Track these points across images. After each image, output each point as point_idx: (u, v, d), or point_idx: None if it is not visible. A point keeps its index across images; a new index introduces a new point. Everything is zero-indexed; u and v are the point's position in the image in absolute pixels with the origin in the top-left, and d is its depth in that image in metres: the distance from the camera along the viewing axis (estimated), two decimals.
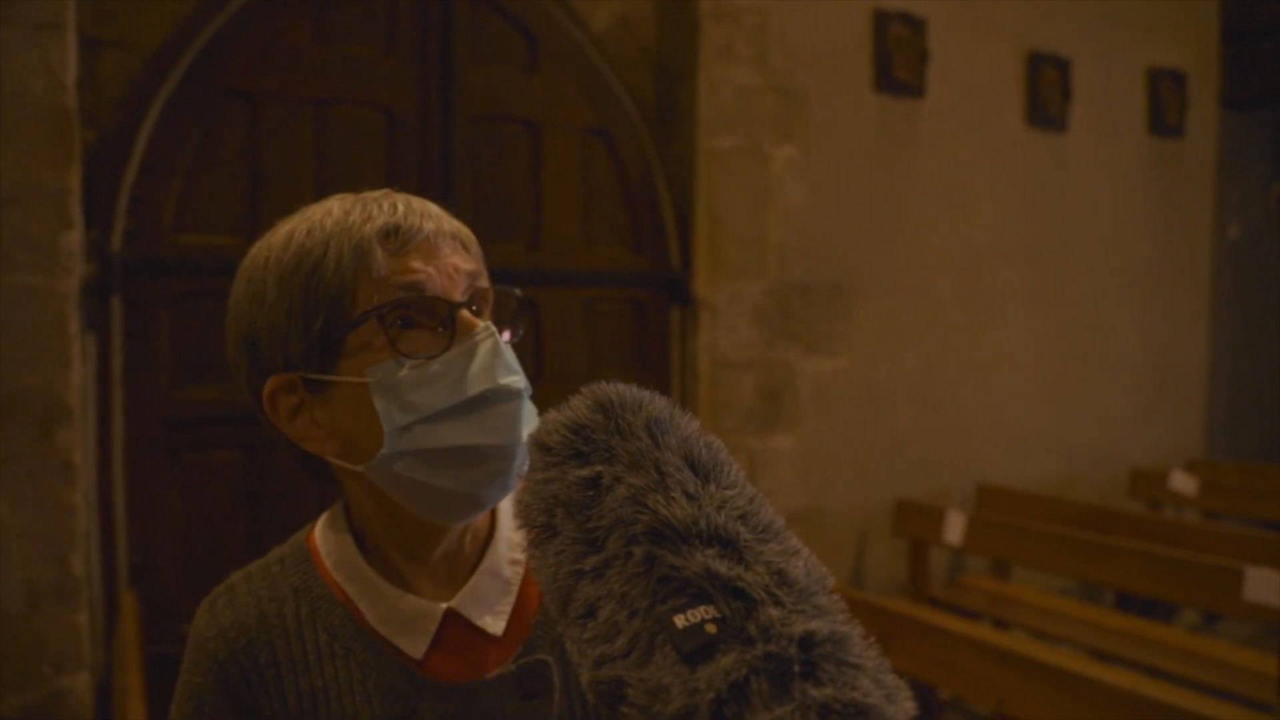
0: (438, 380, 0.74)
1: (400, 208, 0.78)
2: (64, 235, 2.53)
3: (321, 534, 0.86)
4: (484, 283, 0.80)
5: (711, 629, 0.45)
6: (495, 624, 0.81)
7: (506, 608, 0.82)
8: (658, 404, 0.55)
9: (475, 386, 0.74)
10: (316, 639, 0.80)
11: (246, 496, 2.89)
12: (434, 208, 0.80)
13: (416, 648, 0.79)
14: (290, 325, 0.75)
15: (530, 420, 0.76)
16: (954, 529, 3.63)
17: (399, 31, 3.08)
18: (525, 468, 0.74)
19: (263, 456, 2.90)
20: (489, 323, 0.76)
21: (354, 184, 2.95)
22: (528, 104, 3.29)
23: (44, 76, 2.50)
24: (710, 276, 3.54)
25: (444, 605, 0.81)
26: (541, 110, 3.31)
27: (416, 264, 0.75)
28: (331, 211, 0.78)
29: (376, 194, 0.79)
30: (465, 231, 0.81)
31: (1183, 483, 4.43)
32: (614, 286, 3.45)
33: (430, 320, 0.76)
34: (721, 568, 0.47)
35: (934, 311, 4.14)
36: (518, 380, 0.75)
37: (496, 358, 0.75)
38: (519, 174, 3.28)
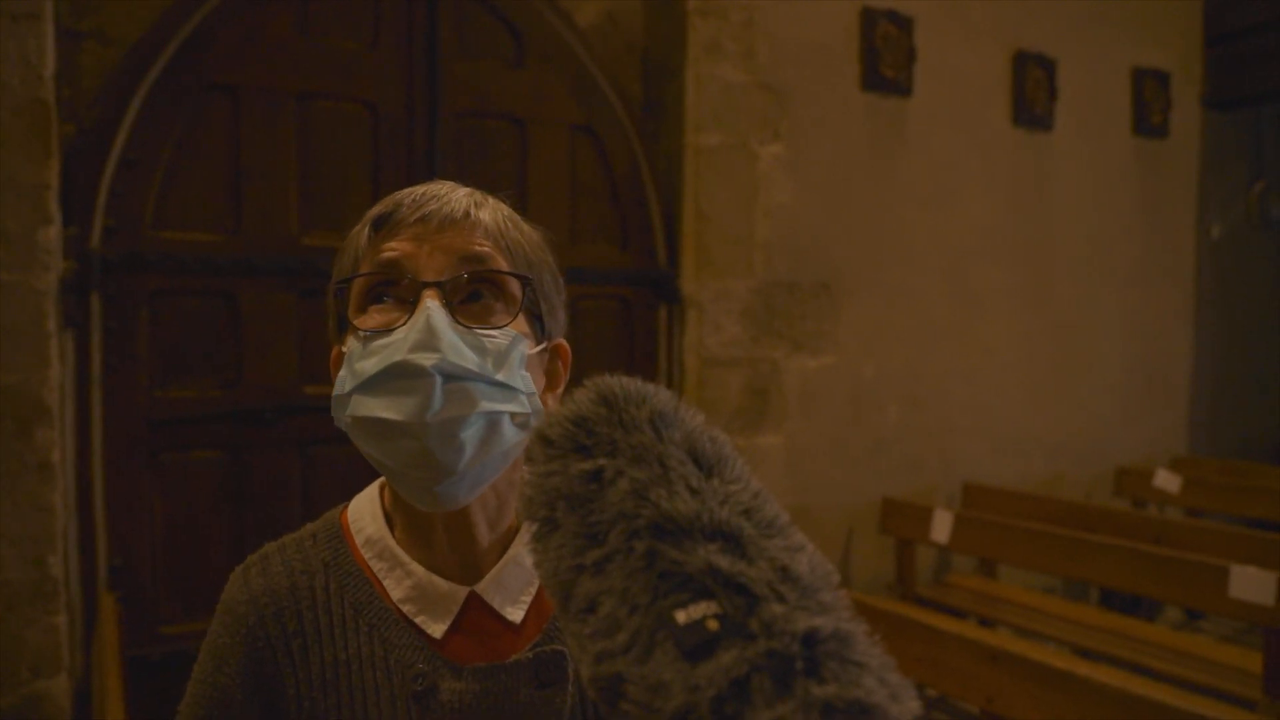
0: (376, 352, 0.77)
1: (416, 194, 0.81)
2: (42, 231, 2.50)
3: (354, 511, 0.89)
4: (490, 267, 0.80)
5: (713, 625, 0.43)
6: (515, 612, 0.84)
7: (528, 598, 0.84)
8: (662, 397, 0.54)
9: (388, 360, 0.75)
10: (343, 612, 0.83)
11: (228, 497, 2.85)
12: (462, 195, 0.82)
13: (437, 628, 0.82)
14: (329, 301, 0.85)
15: (461, 403, 0.76)
16: (941, 527, 3.63)
17: (383, 25, 3.05)
18: (465, 456, 0.76)
19: (244, 456, 2.87)
20: (432, 301, 0.77)
21: (338, 180, 2.92)
22: (513, 100, 3.27)
23: (21, 69, 2.46)
24: (697, 274, 3.53)
25: (467, 589, 0.83)
26: (527, 106, 3.29)
27: (393, 244, 0.79)
28: None
29: (427, 184, 0.84)
30: (492, 220, 0.82)
31: (1167, 481, 4.46)
32: (600, 284, 3.43)
33: (402, 297, 0.79)
34: (724, 563, 0.46)
35: (920, 310, 4.15)
36: (429, 358, 0.74)
37: (422, 334, 0.75)
38: (504, 170, 3.25)
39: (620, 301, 3.50)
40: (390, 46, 3.06)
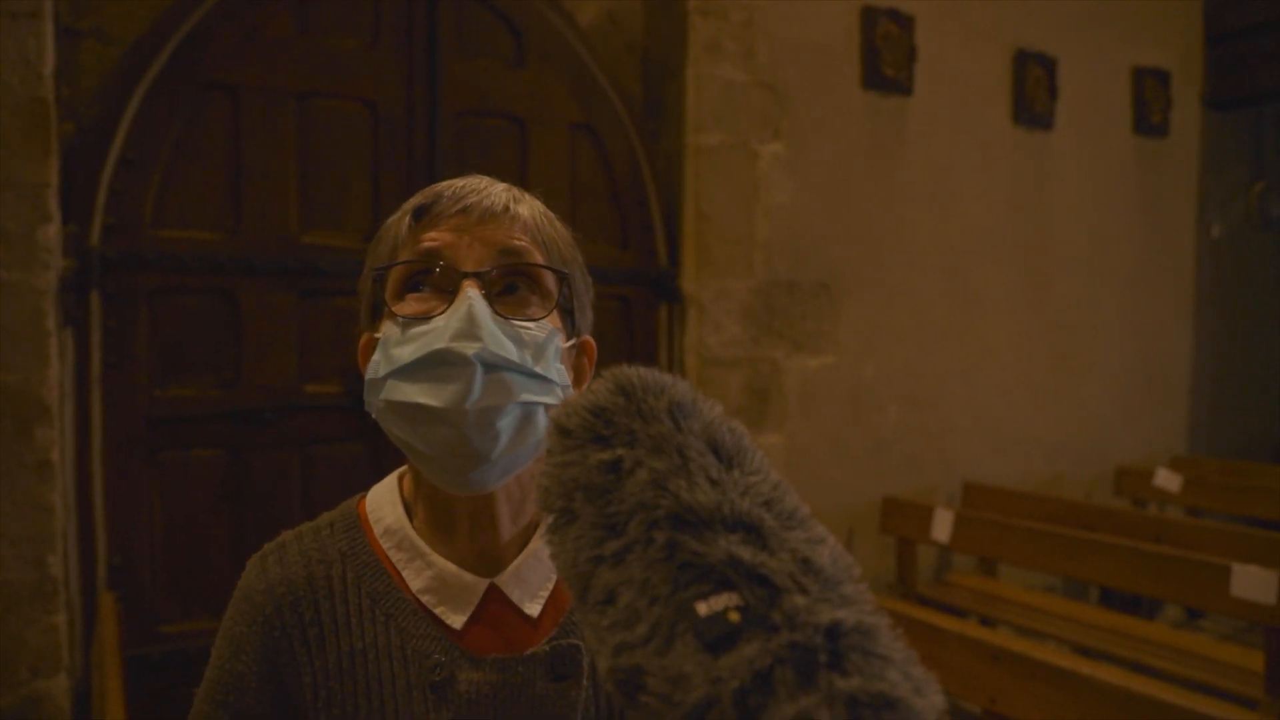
0: (415, 339, 0.78)
1: (456, 186, 0.82)
2: (41, 229, 2.49)
3: (373, 501, 0.89)
4: (529, 260, 0.82)
5: (735, 617, 0.43)
6: (533, 606, 0.84)
7: (545, 593, 0.85)
8: (681, 388, 0.53)
9: (429, 347, 0.77)
10: (360, 602, 0.83)
11: (228, 496, 2.84)
12: (500, 189, 0.83)
13: (456, 619, 0.82)
14: (363, 288, 0.87)
15: (499, 393, 0.77)
16: (942, 527, 3.63)
17: (383, 24, 3.04)
18: (499, 444, 0.78)
19: (244, 456, 2.86)
20: (473, 291, 0.78)
21: (337, 179, 2.92)
22: (514, 99, 3.26)
23: (20, 67, 2.45)
24: (697, 274, 3.53)
25: (487, 581, 0.84)
26: (527, 106, 3.28)
27: (434, 233, 0.80)
28: None
29: (466, 178, 0.85)
30: (530, 216, 0.84)
31: (1167, 480, 4.45)
32: (601, 284, 3.39)
33: (440, 285, 0.81)
34: (745, 554, 0.45)
35: (920, 309, 4.14)
36: (471, 346, 0.76)
37: (464, 323, 0.76)
38: (505, 170, 3.20)
39: (620, 301, 3.49)
40: (390, 45, 3.05)
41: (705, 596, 0.44)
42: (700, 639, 0.43)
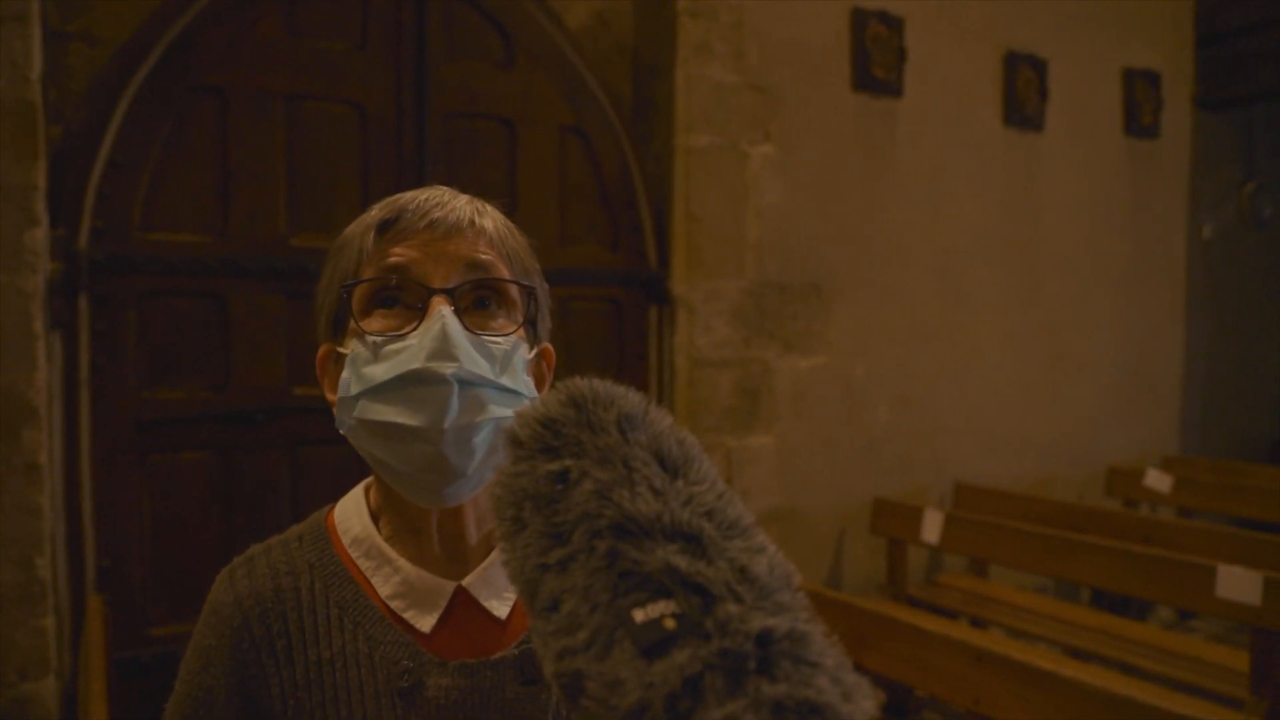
0: (388, 358, 0.78)
1: (419, 199, 0.82)
2: (29, 232, 2.49)
3: (341, 513, 0.90)
4: (496, 275, 0.83)
5: (670, 624, 0.44)
6: (501, 608, 0.85)
7: (512, 595, 0.85)
8: (630, 400, 0.55)
9: (404, 367, 0.77)
10: (328, 612, 0.83)
11: (217, 498, 2.85)
12: (464, 202, 0.84)
13: (425, 622, 0.83)
14: (324, 300, 0.86)
15: (474, 410, 0.78)
16: (932, 528, 3.64)
17: (372, 26, 3.05)
18: (475, 460, 0.79)
19: (233, 458, 2.86)
20: (445, 309, 0.78)
21: (326, 181, 2.91)
22: (503, 101, 3.27)
23: (8, 70, 2.46)
24: (688, 275, 3.54)
25: (455, 583, 0.84)
26: (517, 107, 3.29)
27: (400, 249, 0.80)
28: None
29: (426, 189, 0.85)
30: (494, 229, 0.85)
31: (1157, 480, 4.47)
32: (591, 285, 3.43)
33: (409, 302, 0.81)
34: (682, 563, 0.46)
35: (911, 310, 4.15)
36: (448, 366, 0.76)
37: (439, 342, 0.77)
38: (494, 171, 3.25)
39: (611, 302, 3.50)
40: (379, 47, 3.06)
41: (642, 604, 0.45)
42: (636, 645, 0.44)
